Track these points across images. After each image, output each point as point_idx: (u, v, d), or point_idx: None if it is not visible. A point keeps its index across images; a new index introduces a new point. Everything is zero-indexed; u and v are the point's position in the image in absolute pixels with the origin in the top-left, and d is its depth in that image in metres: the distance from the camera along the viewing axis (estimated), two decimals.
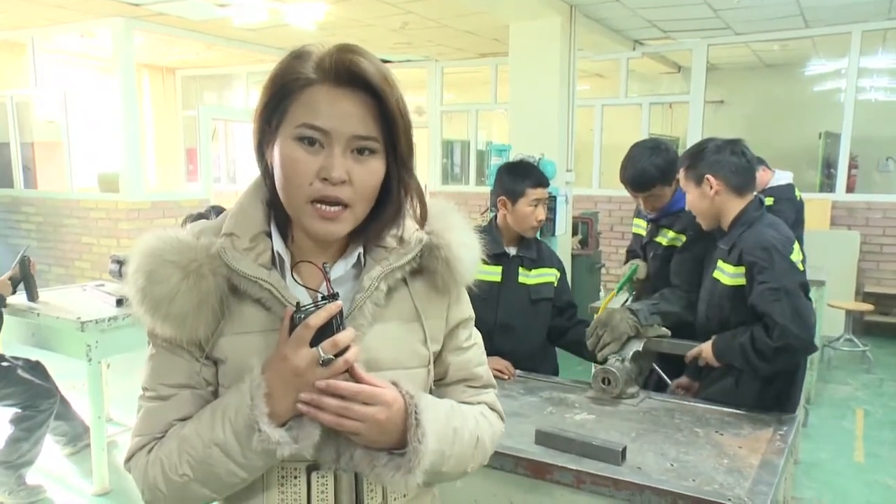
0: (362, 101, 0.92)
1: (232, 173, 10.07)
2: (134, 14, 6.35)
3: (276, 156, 0.94)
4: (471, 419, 1.07)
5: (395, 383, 0.95)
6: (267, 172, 1.00)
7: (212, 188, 7.54)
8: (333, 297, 0.90)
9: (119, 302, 3.57)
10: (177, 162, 9.43)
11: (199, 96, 9.86)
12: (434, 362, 1.08)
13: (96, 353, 3.33)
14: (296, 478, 0.98)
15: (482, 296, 2.69)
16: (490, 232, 2.55)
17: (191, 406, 0.97)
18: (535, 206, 2.47)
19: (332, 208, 0.92)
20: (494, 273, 2.49)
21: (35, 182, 7.85)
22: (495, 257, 2.50)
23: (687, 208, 2.35)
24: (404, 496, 1.05)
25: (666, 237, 2.62)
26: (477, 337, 1.18)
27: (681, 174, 2.34)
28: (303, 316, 0.88)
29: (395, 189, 0.99)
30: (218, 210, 4.54)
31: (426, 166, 9.33)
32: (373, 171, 0.94)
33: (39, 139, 7.81)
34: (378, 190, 0.97)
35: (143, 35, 7.01)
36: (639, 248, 2.85)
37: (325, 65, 0.91)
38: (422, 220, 1.05)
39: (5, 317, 3.34)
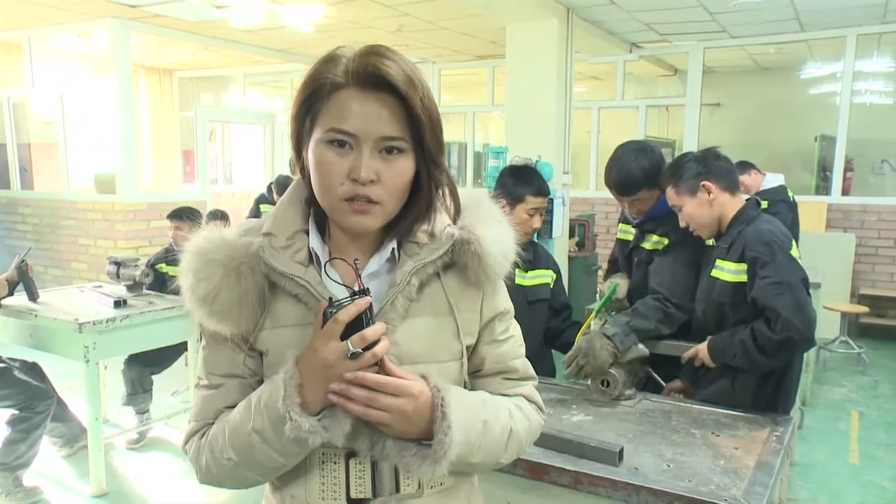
0: (388, 103, 0.95)
1: (229, 175, 10.07)
2: (131, 15, 6.34)
3: (310, 158, 0.99)
4: (503, 412, 1.09)
5: (424, 377, 0.98)
6: (305, 172, 1.03)
7: (209, 189, 7.54)
8: (364, 292, 0.93)
9: (117, 303, 3.57)
10: (174, 163, 9.42)
11: (197, 97, 9.85)
12: (470, 355, 1.10)
13: (94, 354, 3.33)
14: (335, 463, 1.02)
15: None
16: None
17: (238, 394, 1.04)
18: (533, 214, 2.45)
19: (363, 203, 0.96)
20: None
21: (32, 183, 7.83)
22: None
23: (683, 224, 2.33)
24: (441, 484, 1.07)
25: (650, 241, 2.59)
26: (515, 330, 1.19)
27: (669, 194, 2.32)
28: (334, 311, 0.92)
29: (426, 185, 1.02)
30: (219, 214, 4.49)
31: None
32: (401, 169, 0.97)
33: (36, 140, 7.80)
34: (408, 187, 1.00)
35: (140, 36, 7.00)
36: (622, 257, 2.79)
37: (350, 69, 0.94)
38: (455, 215, 1.08)
39: (1, 318, 3.34)
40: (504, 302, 1.17)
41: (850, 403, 4.97)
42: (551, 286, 2.62)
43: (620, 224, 2.85)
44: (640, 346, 2.31)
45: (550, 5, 5.64)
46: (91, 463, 3.41)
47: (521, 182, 2.47)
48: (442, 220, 1.06)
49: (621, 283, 2.68)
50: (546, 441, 1.78)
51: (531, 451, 1.76)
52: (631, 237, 2.73)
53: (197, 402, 1.07)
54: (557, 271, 2.67)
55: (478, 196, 1.12)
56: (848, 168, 7.05)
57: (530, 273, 2.56)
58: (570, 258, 6.23)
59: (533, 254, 2.58)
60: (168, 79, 9.59)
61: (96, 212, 6.97)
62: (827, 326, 5.78)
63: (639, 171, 2.44)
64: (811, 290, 2.20)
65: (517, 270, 2.53)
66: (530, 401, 1.17)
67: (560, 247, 5.89)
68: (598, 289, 6.73)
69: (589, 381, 2.24)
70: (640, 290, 2.60)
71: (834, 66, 7.42)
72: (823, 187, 7.45)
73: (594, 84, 9.31)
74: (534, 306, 2.56)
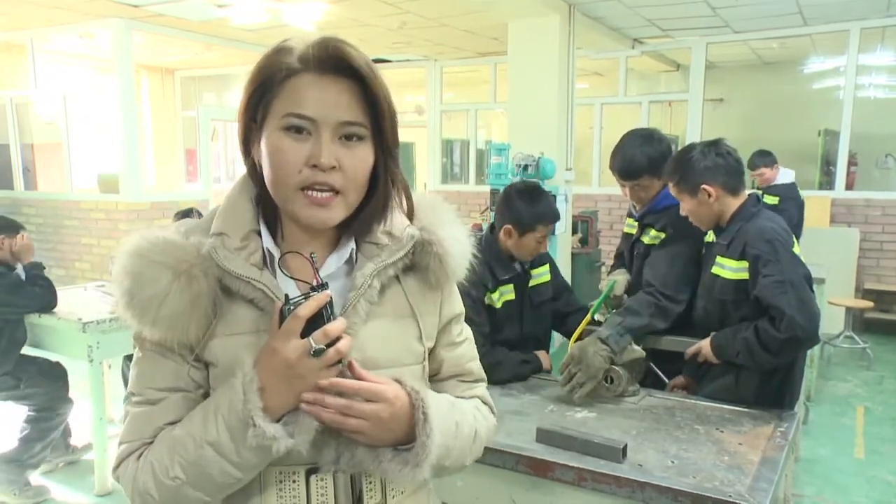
0: (348, 88, 0.92)
1: (232, 173, 10.05)
2: (133, 15, 6.34)
3: (263, 149, 0.93)
4: (469, 414, 1.07)
5: (398, 380, 0.94)
6: (254, 170, 0.99)
7: (211, 188, 7.55)
8: (322, 286, 0.88)
9: None
10: (176, 162, 9.43)
11: (199, 97, 9.85)
12: (427, 358, 1.07)
13: (97, 353, 3.33)
14: (294, 481, 0.95)
15: (506, 316, 2.55)
16: (496, 256, 2.43)
17: (181, 409, 0.95)
18: (541, 241, 2.40)
19: (323, 194, 0.91)
20: (510, 292, 2.47)
21: (35, 183, 7.85)
22: (509, 279, 2.45)
23: (684, 214, 2.32)
24: (402, 493, 1.04)
25: (648, 236, 2.58)
26: (468, 332, 1.17)
27: (671, 188, 2.31)
28: (292, 307, 0.87)
29: (383, 178, 0.98)
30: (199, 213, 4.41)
31: (426, 166, 9.33)
32: (362, 157, 0.94)
33: (39, 140, 7.81)
34: (368, 177, 0.96)
35: (142, 36, 7.00)
36: (627, 251, 2.80)
37: (308, 54, 0.91)
38: (409, 214, 1.04)
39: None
40: (459, 304, 1.14)
41: (855, 398, 4.96)
42: (549, 278, 2.60)
43: (628, 219, 2.86)
44: (636, 347, 2.27)
45: (552, 1, 5.63)
46: (96, 462, 3.42)
47: (532, 212, 2.35)
48: (401, 220, 1.02)
49: (619, 280, 2.68)
50: (550, 438, 1.78)
51: (535, 447, 1.76)
52: (634, 231, 2.73)
53: (130, 420, 0.97)
54: (549, 260, 2.64)
55: (432, 198, 1.09)
56: (852, 162, 7.02)
57: (533, 272, 2.54)
58: (573, 255, 6.22)
59: None
60: (170, 78, 9.60)
61: (99, 211, 6.99)
62: (831, 322, 5.75)
63: (643, 157, 2.44)
64: (815, 286, 2.19)
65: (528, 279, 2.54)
66: (484, 402, 1.15)
67: (563, 244, 5.89)
68: (601, 284, 6.74)
69: (575, 397, 2.15)
70: (637, 284, 2.60)
71: (837, 61, 7.39)
72: (827, 182, 7.41)
73: (596, 80, 9.29)
74: (540, 308, 2.55)
